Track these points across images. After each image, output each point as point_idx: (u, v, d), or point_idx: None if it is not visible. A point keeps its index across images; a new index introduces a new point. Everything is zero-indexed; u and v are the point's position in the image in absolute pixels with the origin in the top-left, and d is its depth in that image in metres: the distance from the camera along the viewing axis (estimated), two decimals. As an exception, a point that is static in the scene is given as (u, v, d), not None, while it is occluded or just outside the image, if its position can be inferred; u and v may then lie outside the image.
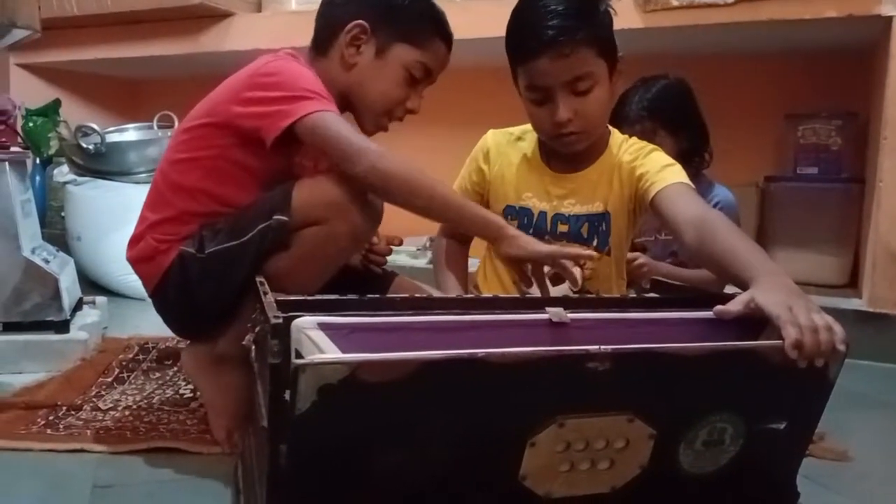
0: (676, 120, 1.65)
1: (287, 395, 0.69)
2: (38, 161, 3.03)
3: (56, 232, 2.71)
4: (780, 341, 0.83)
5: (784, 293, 0.89)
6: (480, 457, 0.79)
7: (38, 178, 3.02)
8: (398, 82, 1.21)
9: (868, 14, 1.81)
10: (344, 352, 0.76)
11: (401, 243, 1.35)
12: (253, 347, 0.92)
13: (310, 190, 1.09)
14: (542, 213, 1.29)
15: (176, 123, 2.59)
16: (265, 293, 0.90)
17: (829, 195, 2.26)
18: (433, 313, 0.84)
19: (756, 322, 0.90)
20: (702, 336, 0.90)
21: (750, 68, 2.40)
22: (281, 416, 0.74)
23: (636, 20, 1.99)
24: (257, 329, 0.87)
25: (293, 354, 0.76)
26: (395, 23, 1.20)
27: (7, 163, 1.55)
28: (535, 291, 1.30)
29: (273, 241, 1.07)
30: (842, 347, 0.84)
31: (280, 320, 0.75)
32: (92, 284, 2.39)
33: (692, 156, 1.68)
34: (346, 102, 1.23)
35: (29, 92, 3.04)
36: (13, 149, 1.57)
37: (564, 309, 0.89)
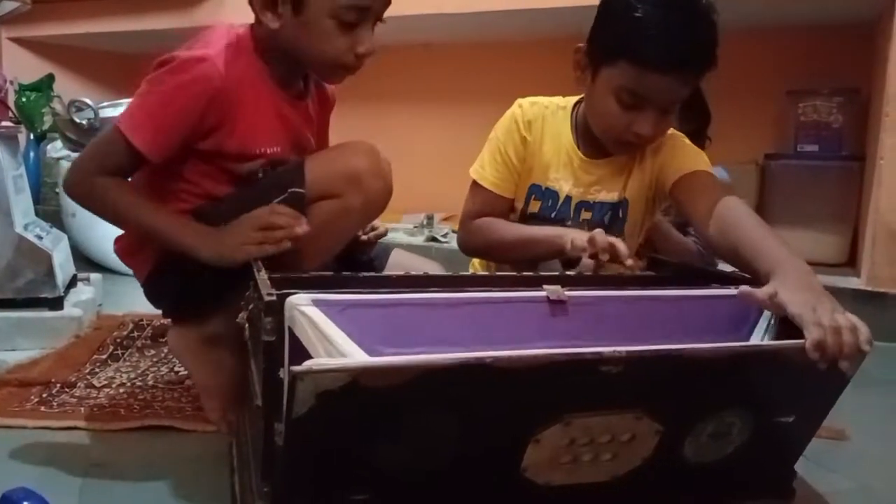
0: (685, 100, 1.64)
1: (284, 399, 0.67)
2: (31, 137, 3.00)
3: (51, 208, 2.70)
4: (802, 342, 0.80)
5: (809, 292, 0.86)
6: (481, 455, 0.78)
7: (31, 153, 2.99)
8: (331, 34, 1.05)
9: (872, -11, 1.79)
10: (341, 328, 0.75)
11: (385, 233, 1.31)
12: (246, 325, 0.91)
13: (324, 163, 1.09)
14: (568, 198, 1.26)
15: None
16: (258, 270, 0.89)
17: (829, 173, 2.25)
18: (429, 290, 0.82)
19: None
20: (701, 316, 0.89)
21: (750, 44, 2.36)
22: (275, 395, 0.73)
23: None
24: (251, 307, 0.86)
25: (287, 332, 0.75)
26: None
27: (-2, 138, 1.53)
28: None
29: None
30: (866, 348, 0.82)
31: (274, 297, 0.74)
32: (86, 261, 2.37)
33: (695, 137, 1.66)
34: (293, 61, 1.13)
35: (22, 66, 3.00)
36: (4, 124, 1.55)
37: (562, 286, 0.88)
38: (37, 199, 2.30)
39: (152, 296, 1.21)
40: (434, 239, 2.43)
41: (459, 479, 0.80)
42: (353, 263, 1.24)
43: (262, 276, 0.85)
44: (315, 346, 0.73)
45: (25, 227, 1.59)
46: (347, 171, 1.06)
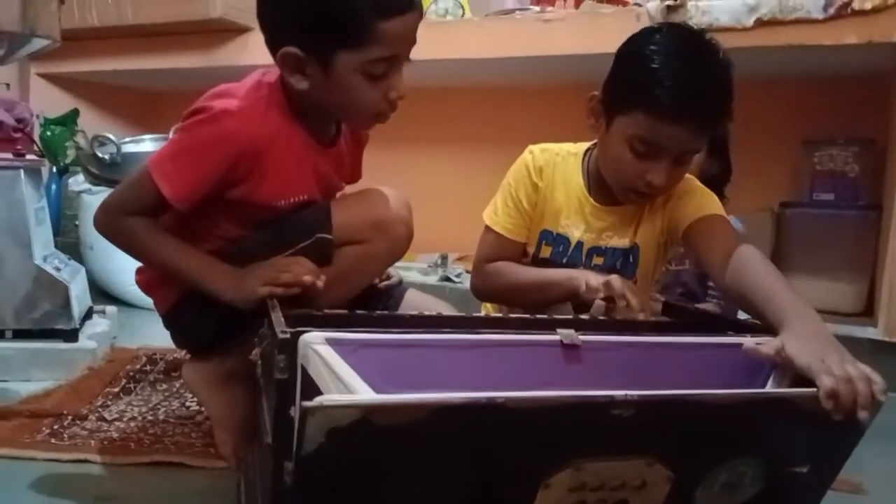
0: (716, 143, 1.66)
1: (294, 438, 0.67)
2: (54, 170, 3.05)
3: (69, 241, 2.72)
4: (815, 390, 0.80)
5: (816, 342, 0.86)
6: (492, 497, 0.77)
7: (53, 186, 3.04)
8: (362, 88, 1.04)
9: (889, 41, 1.79)
10: (353, 368, 0.75)
11: (399, 283, 1.31)
12: (259, 362, 0.91)
13: (350, 209, 1.12)
14: (580, 244, 1.27)
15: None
16: (273, 307, 0.90)
17: (845, 222, 2.24)
18: (442, 331, 0.82)
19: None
20: (716, 364, 0.88)
21: (767, 92, 2.38)
22: (285, 433, 0.73)
23: (653, 42, 1.98)
24: (264, 344, 0.87)
25: (299, 370, 0.75)
26: (319, 33, 1.02)
27: (22, 170, 1.56)
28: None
29: (317, 258, 1.08)
30: (882, 398, 0.81)
31: (287, 335, 0.74)
32: (103, 294, 2.39)
33: (715, 185, 1.67)
34: (325, 113, 1.15)
35: (48, 101, 3.07)
36: (29, 157, 1.58)
37: (576, 330, 0.88)
38: (56, 231, 2.32)
39: (171, 328, 1.23)
40: (448, 279, 2.43)
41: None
42: (375, 295, 1.26)
43: (277, 314, 0.85)
44: (327, 384, 0.73)
45: (45, 259, 1.61)
46: (374, 219, 1.10)
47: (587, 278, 1.13)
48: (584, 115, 1.23)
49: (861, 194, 2.23)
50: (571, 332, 0.84)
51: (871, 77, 2.20)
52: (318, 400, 0.68)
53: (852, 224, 2.23)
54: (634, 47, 1.16)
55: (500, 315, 1.01)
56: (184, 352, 1.57)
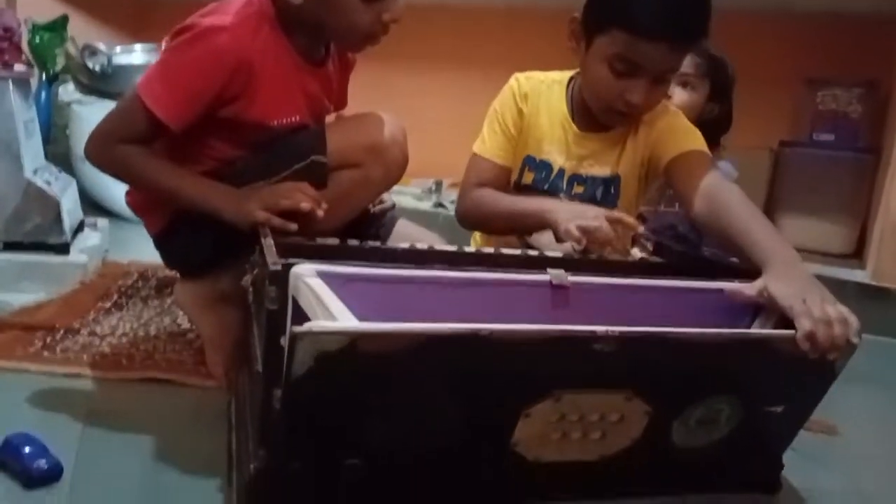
0: (718, 86, 1.65)
1: (284, 361, 0.68)
2: (43, 77, 2.98)
3: (60, 150, 2.68)
4: (792, 332, 0.82)
5: (798, 283, 0.88)
6: (474, 426, 0.79)
7: (43, 94, 2.97)
8: (356, 9, 1.04)
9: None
10: (342, 301, 0.75)
11: (392, 207, 1.30)
12: (250, 289, 0.92)
13: (345, 133, 1.10)
14: (561, 171, 1.27)
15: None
16: (265, 236, 0.90)
17: (842, 163, 2.23)
18: (433, 267, 0.83)
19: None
20: (703, 308, 0.90)
21: (771, 29, 2.33)
22: (275, 362, 0.74)
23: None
24: (255, 272, 0.87)
25: (290, 301, 0.76)
26: None
27: (10, 81, 1.52)
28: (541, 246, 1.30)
29: (312, 180, 1.07)
30: (855, 340, 0.84)
31: (279, 267, 0.75)
32: (94, 206, 2.37)
33: (713, 130, 1.65)
34: (319, 32, 1.13)
35: (36, 6, 2.96)
36: (17, 67, 1.53)
37: (566, 271, 0.88)
38: (47, 140, 2.29)
39: (163, 250, 1.23)
40: (441, 205, 2.43)
41: (450, 449, 0.82)
42: (358, 235, 1.25)
43: (269, 243, 0.85)
44: (317, 315, 0.74)
45: (35, 171, 1.59)
46: (369, 142, 1.09)
47: (561, 215, 1.11)
48: (566, 38, 1.22)
49: (861, 137, 2.22)
50: (561, 272, 0.85)
51: (879, 19, 2.15)
52: (308, 325, 0.69)
53: (850, 166, 2.22)
54: None
55: (491, 251, 1.01)
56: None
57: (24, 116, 1.60)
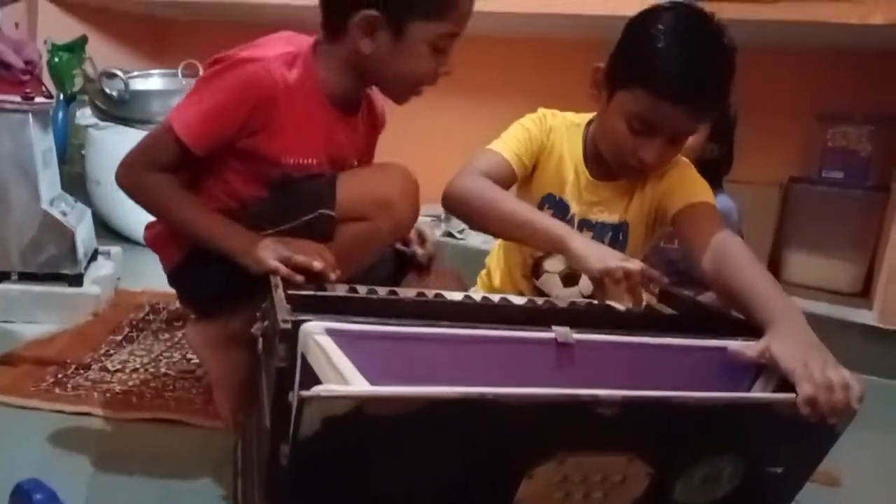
0: (719, 127, 1.64)
1: (292, 422, 0.70)
2: (61, 97, 3.03)
3: (75, 170, 2.72)
4: (794, 395, 0.82)
5: (801, 345, 0.88)
6: (477, 484, 0.80)
7: (60, 114, 3.02)
8: (424, 58, 1.10)
9: (915, 22, 1.76)
10: (350, 359, 0.77)
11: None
12: (260, 338, 0.93)
13: (354, 185, 1.11)
14: (573, 215, 1.28)
15: (201, 72, 2.57)
16: (276, 286, 0.91)
17: (852, 201, 2.23)
18: (440, 325, 0.84)
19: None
20: (706, 366, 0.90)
21: (781, 63, 2.34)
22: (283, 418, 0.75)
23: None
24: (266, 323, 0.88)
25: (299, 358, 0.77)
26: (406, 1, 1.07)
27: (31, 114, 1.55)
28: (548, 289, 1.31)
29: (318, 232, 1.09)
30: (856, 406, 0.84)
31: (289, 326, 0.76)
32: (107, 229, 2.41)
33: (715, 168, 1.67)
34: (369, 81, 1.18)
35: (56, 27, 3.02)
36: (38, 100, 1.56)
37: (572, 326, 0.89)
38: (62, 160, 2.32)
39: (177, 286, 1.25)
40: (450, 234, 2.44)
41: (454, 506, 0.83)
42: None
43: (279, 296, 0.87)
44: (326, 373, 0.76)
45: (51, 202, 1.62)
46: (379, 197, 1.09)
47: (593, 256, 1.07)
48: (588, 85, 1.23)
49: (871, 174, 2.22)
50: (567, 330, 0.86)
51: (891, 55, 2.16)
52: (315, 390, 0.70)
53: (859, 204, 2.22)
54: (642, 24, 1.16)
55: (498, 302, 1.02)
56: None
57: (43, 146, 1.63)
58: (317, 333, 0.77)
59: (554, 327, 0.86)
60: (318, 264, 0.99)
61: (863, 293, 2.23)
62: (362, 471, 0.77)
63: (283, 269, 0.98)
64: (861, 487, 1.26)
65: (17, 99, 1.53)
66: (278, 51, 1.09)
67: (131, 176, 1.11)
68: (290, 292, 0.90)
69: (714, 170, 1.67)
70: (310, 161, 1.14)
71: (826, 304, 2.10)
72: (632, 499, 0.86)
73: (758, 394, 0.88)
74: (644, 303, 1.10)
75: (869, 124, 2.21)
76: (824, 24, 1.84)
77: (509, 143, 1.26)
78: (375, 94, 1.26)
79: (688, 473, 0.87)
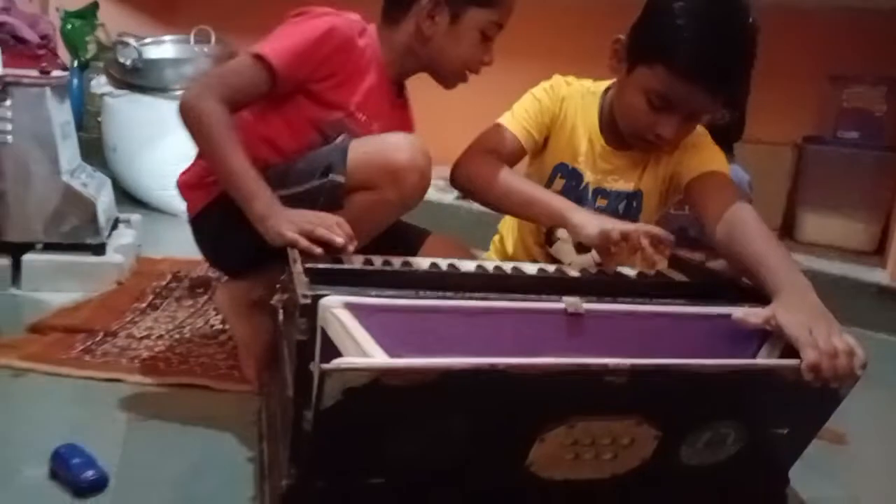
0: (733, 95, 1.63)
1: (314, 392, 0.73)
2: (75, 64, 3.05)
3: (92, 136, 2.75)
4: (797, 361, 0.85)
5: (806, 313, 0.90)
6: (491, 449, 0.84)
7: (75, 80, 3.04)
8: (474, 44, 1.23)
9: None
10: (368, 331, 0.80)
11: None
12: (280, 309, 0.96)
13: (365, 152, 1.13)
14: (587, 183, 1.29)
15: (213, 38, 2.58)
16: (294, 261, 0.94)
17: (866, 161, 2.23)
18: (455, 296, 0.87)
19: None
20: (714, 335, 0.93)
21: (797, 23, 2.30)
22: (305, 386, 0.79)
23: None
24: (286, 296, 0.92)
25: (318, 332, 0.80)
26: None
27: (48, 88, 1.57)
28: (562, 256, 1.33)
29: (327, 198, 1.11)
30: (859, 372, 0.86)
31: (308, 300, 0.79)
32: (125, 195, 2.45)
33: (726, 134, 1.66)
34: (423, 65, 1.27)
35: (67, -6, 3.02)
36: (54, 73, 1.59)
37: (582, 295, 0.92)
38: (79, 127, 2.34)
39: (196, 232, 1.28)
40: (464, 197, 2.46)
41: (469, 469, 0.87)
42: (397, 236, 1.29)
43: (297, 269, 0.90)
44: (345, 346, 0.79)
45: (72, 173, 1.65)
46: (387, 166, 1.10)
47: (581, 225, 1.11)
48: (607, 55, 1.23)
49: (886, 135, 2.21)
50: (576, 300, 0.88)
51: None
52: (335, 363, 0.74)
53: (873, 164, 2.22)
54: (665, 0, 1.15)
55: (510, 271, 1.05)
56: (208, 268, 1.64)
57: (61, 119, 1.66)
58: (335, 307, 0.80)
59: (564, 297, 0.89)
60: (339, 239, 1.00)
61: (877, 252, 2.24)
62: (381, 436, 0.82)
63: (303, 242, 0.99)
64: (867, 445, 1.29)
65: (34, 73, 1.55)
66: (352, 19, 1.22)
67: (198, 98, 1.10)
68: (307, 266, 0.93)
69: (725, 135, 1.67)
70: (363, 117, 1.21)
71: (840, 262, 2.12)
72: (640, 460, 0.90)
73: (762, 360, 0.91)
74: (656, 266, 1.12)
75: (883, 85, 2.19)
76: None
77: (519, 118, 1.28)
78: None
79: (693, 436, 0.90)
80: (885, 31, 2.23)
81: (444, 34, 1.21)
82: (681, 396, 0.86)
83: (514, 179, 1.23)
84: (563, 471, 0.89)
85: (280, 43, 1.15)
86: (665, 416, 0.86)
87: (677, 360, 0.82)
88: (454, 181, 1.27)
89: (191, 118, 1.11)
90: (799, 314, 0.90)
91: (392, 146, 1.12)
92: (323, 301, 0.80)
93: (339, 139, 1.18)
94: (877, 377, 1.63)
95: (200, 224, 1.26)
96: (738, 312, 0.92)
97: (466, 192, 1.28)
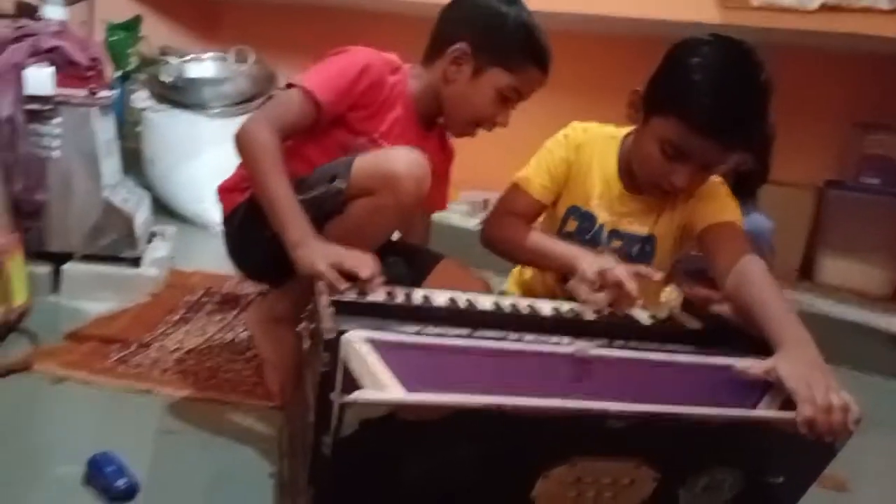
0: (756, 142, 1.64)
1: (333, 422, 0.79)
2: (117, 74, 3.15)
3: (131, 146, 2.84)
4: (794, 414, 0.89)
5: (806, 367, 0.94)
6: (497, 482, 0.90)
7: (116, 90, 3.15)
8: (489, 102, 1.30)
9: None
10: (387, 365, 0.86)
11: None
12: (307, 337, 1.02)
13: (369, 161, 1.19)
14: (602, 226, 1.34)
15: (252, 58, 2.67)
16: (320, 293, 1.00)
17: (886, 207, 2.25)
18: (468, 338, 0.92)
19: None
20: (716, 382, 0.97)
21: (822, 69, 2.35)
22: (325, 414, 0.85)
23: (713, 15, 1.96)
24: (312, 327, 0.98)
25: (340, 365, 0.86)
26: (495, 48, 1.28)
27: (95, 107, 1.66)
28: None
29: (331, 205, 1.18)
30: (853, 428, 0.90)
31: (333, 335, 0.85)
32: (161, 206, 2.53)
33: (748, 181, 1.70)
34: (442, 107, 1.35)
35: (112, 6, 3.13)
36: (101, 94, 1.67)
37: (594, 338, 0.97)
38: (119, 135, 2.42)
39: (226, 227, 1.34)
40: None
41: (477, 500, 0.92)
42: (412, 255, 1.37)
43: (324, 302, 0.96)
44: (365, 379, 0.85)
45: (113, 188, 1.73)
46: (385, 172, 1.16)
47: (585, 266, 1.18)
48: (625, 106, 1.29)
49: (907, 182, 2.23)
50: (585, 345, 0.93)
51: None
52: (354, 395, 0.81)
53: (893, 210, 2.23)
54: (681, 55, 1.20)
55: (526, 310, 1.10)
56: (237, 283, 1.71)
57: (105, 137, 1.74)
58: (357, 342, 0.86)
59: (575, 342, 0.94)
60: (366, 271, 1.05)
61: (893, 297, 2.26)
62: (394, 466, 0.87)
63: (330, 275, 1.05)
64: (869, 491, 1.31)
65: (83, 93, 1.63)
66: (387, 59, 1.31)
67: (254, 128, 1.18)
68: (333, 298, 0.99)
69: (749, 182, 1.70)
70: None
71: (857, 308, 2.14)
72: (639, 500, 0.94)
73: (759, 411, 0.94)
74: (637, 303, 1.16)
75: (906, 132, 2.22)
76: (861, 35, 1.85)
77: (536, 175, 1.36)
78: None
79: (691, 481, 0.95)
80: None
81: (465, 83, 1.29)
82: (679, 442, 0.90)
83: (532, 237, 1.33)
84: (565, 507, 0.94)
85: (323, 78, 1.23)
86: (664, 460, 0.91)
87: (675, 408, 0.87)
88: (485, 244, 1.40)
89: (244, 144, 1.19)
90: (799, 367, 0.94)
91: (392, 155, 1.18)
92: (346, 336, 0.86)
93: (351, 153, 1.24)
94: (886, 423, 1.66)
95: (231, 220, 1.33)
96: (741, 364, 0.96)
97: (497, 254, 1.40)
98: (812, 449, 0.93)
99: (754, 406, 0.98)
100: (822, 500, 1.21)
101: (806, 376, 0.92)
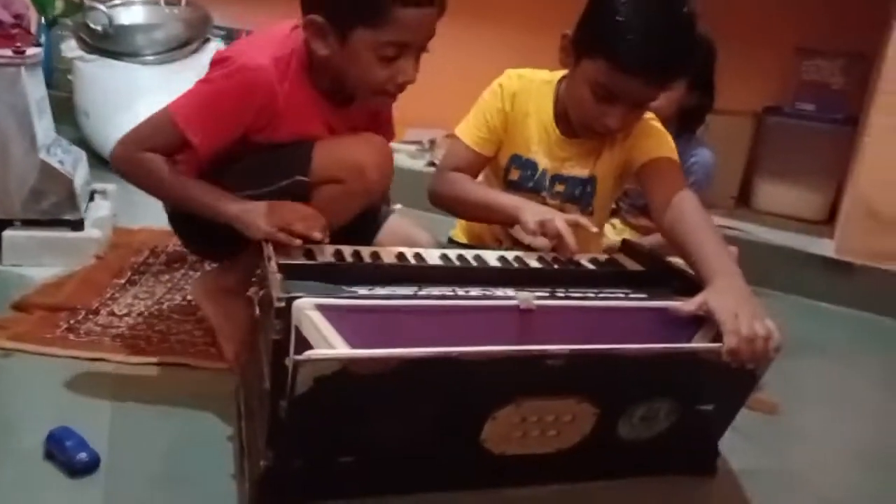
0: (698, 77, 1.67)
1: (287, 382, 0.82)
2: (43, 21, 3.01)
3: (63, 95, 2.73)
4: (719, 345, 0.96)
5: (734, 299, 1.00)
6: (448, 427, 0.95)
7: (43, 37, 3.00)
8: (372, 65, 1.13)
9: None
10: (338, 331, 0.88)
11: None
12: (257, 303, 1.03)
13: (329, 151, 1.19)
14: (544, 171, 1.36)
15: (184, 1, 2.57)
16: (269, 258, 1.01)
17: (822, 133, 2.32)
18: (416, 297, 0.95)
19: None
20: (655, 325, 1.02)
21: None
22: (281, 379, 0.87)
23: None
24: (262, 292, 0.99)
25: (293, 332, 0.88)
26: (343, 7, 1.11)
27: (23, 67, 1.59)
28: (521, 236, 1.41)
29: (294, 197, 1.17)
30: (773, 356, 0.97)
31: (283, 304, 0.86)
32: (98, 159, 2.46)
33: (693, 114, 1.73)
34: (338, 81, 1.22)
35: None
36: (29, 52, 1.60)
37: (539, 286, 1.01)
38: (48, 84, 2.32)
39: (172, 224, 1.35)
40: (434, 164, 2.51)
41: (429, 446, 0.97)
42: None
43: (273, 267, 0.97)
44: (317, 342, 0.87)
45: (48, 150, 1.67)
46: (352, 163, 1.17)
47: (528, 215, 1.22)
48: (557, 50, 1.29)
49: (843, 108, 2.29)
50: (529, 295, 0.97)
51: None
52: (307, 354, 0.84)
53: (829, 137, 2.31)
54: None
55: (472, 263, 1.13)
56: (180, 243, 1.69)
57: (37, 96, 1.68)
58: (307, 308, 0.88)
59: (517, 293, 0.98)
60: (316, 234, 1.08)
61: (829, 221, 2.35)
62: (350, 419, 0.91)
63: (281, 236, 1.07)
64: (799, 415, 1.40)
65: (9, 53, 1.56)
66: (276, 56, 1.16)
67: (128, 155, 1.19)
68: (281, 262, 1.00)
69: (696, 116, 1.74)
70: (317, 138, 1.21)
71: (793, 233, 2.22)
72: (581, 435, 1.01)
73: (685, 344, 1.01)
74: (574, 252, 1.19)
75: (841, 58, 2.26)
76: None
77: (473, 129, 1.37)
78: None
79: (629, 412, 1.02)
80: (850, 6, 2.28)
81: (338, 54, 1.13)
82: (614, 377, 0.97)
83: (476, 191, 1.36)
84: (513, 447, 1.00)
85: (199, 115, 1.15)
86: (602, 395, 0.98)
87: (609, 345, 0.93)
88: (432, 202, 1.40)
89: (130, 172, 1.20)
90: (727, 299, 1.00)
91: (356, 145, 1.19)
92: (297, 303, 0.87)
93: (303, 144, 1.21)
94: (819, 346, 1.75)
95: (176, 218, 1.32)
96: (673, 304, 1.02)
97: (446, 211, 1.41)
98: (736, 376, 1.00)
99: (689, 340, 1.04)
100: (755, 423, 1.30)
101: (733, 307, 0.98)
